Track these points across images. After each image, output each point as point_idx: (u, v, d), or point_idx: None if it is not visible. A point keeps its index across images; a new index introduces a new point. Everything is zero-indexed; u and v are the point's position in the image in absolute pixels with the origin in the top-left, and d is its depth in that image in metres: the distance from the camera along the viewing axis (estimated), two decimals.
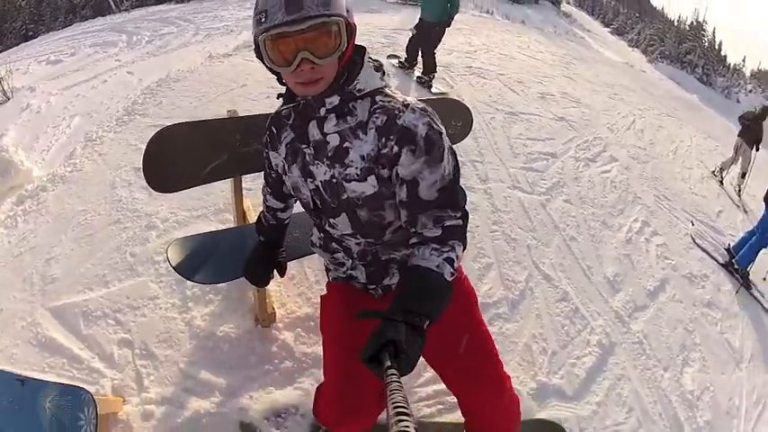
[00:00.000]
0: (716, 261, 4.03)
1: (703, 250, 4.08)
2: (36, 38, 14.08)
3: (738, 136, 6.99)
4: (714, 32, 26.13)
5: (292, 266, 2.05)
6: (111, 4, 16.46)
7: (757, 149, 6.75)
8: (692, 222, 4.45)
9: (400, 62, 5.74)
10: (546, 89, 6.46)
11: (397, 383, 0.70)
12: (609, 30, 26.62)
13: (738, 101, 21.45)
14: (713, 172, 6.67)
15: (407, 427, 0.59)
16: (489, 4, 18.20)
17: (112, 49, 7.15)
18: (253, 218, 2.05)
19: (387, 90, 1.02)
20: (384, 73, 1.04)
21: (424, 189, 0.97)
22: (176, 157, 1.66)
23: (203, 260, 1.59)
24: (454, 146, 1.09)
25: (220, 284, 1.91)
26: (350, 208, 1.05)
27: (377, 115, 0.98)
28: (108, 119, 3.67)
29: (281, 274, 1.37)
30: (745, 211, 5.79)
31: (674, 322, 2.88)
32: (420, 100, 1.04)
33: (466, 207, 1.04)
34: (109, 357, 1.73)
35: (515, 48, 9.59)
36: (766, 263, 4.49)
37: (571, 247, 3.04)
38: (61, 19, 18.22)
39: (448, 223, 0.96)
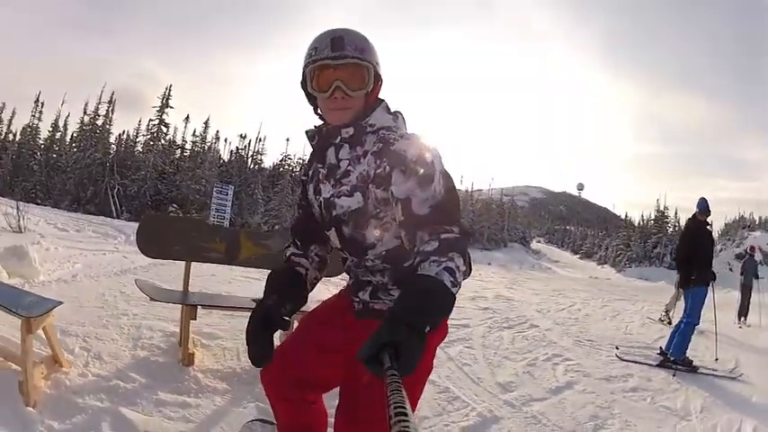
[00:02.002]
0: (647, 365, 4.04)
1: (630, 361, 4.11)
2: (43, 206, 16.55)
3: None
4: (676, 213, 26.57)
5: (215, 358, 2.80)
6: (113, 210, 20.27)
7: None
8: (616, 347, 4.55)
9: None
10: (479, 294, 7.00)
11: (397, 384, 0.70)
12: (578, 256, 28.34)
13: None
14: (659, 318, 6.91)
15: (407, 427, 0.59)
16: None
17: (112, 240, 8.62)
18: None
19: (393, 128, 1.18)
20: (396, 117, 1.21)
21: (416, 205, 1.04)
22: (158, 233, 2.89)
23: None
24: None
25: (162, 342, 2.82)
26: (338, 224, 1.20)
27: (376, 143, 1.14)
28: (105, 272, 4.89)
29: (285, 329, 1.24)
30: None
31: (582, 403, 2.88)
32: None
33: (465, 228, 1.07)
34: (70, 350, 2.50)
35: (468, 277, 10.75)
36: (710, 347, 4.62)
37: (463, 369, 3.16)
38: (66, 203, 20.53)
39: (444, 236, 0.99)
